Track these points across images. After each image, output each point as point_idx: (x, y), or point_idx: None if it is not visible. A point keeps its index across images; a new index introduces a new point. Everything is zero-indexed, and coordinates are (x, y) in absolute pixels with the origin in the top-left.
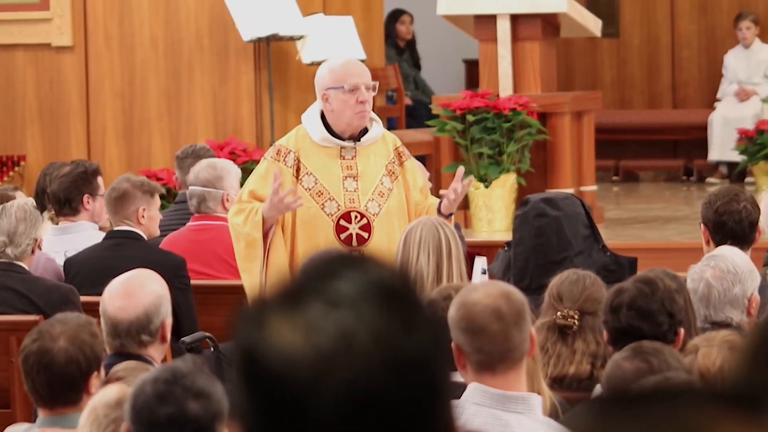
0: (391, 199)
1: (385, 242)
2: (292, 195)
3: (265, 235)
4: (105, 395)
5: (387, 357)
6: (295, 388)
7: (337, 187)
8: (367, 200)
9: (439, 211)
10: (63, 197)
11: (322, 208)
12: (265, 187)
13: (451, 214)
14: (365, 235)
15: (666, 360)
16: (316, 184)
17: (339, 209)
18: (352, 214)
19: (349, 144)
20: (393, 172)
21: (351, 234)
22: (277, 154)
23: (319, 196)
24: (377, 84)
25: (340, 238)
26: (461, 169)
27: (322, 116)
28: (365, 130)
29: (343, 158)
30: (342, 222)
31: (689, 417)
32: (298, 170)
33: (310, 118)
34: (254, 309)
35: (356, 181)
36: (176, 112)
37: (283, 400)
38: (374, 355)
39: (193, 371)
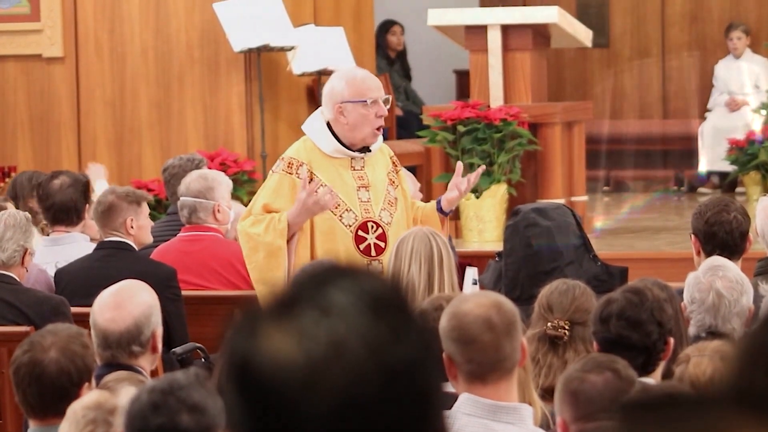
0: (398, 208)
1: None
2: (329, 193)
3: (289, 244)
4: (85, 399)
5: (378, 365)
6: (287, 395)
7: (352, 198)
8: (380, 210)
9: (439, 210)
10: (73, 207)
11: (340, 220)
12: (278, 200)
13: (450, 212)
14: (382, 244)
15: (626, 365)
16: (333, 196)
17: (356, 220)
18: (369, 225)
19: (358, 155)
20: (393, 181)
21: (369, 244)
22: (288, 166)
23: (336, 207)
24: (390, 97)
25: (359, 248)
26: (461, 165)
27: (329, 127)
28: None
29: (354, 169)
30: (360, 233)
31: (713, 423)
32: (311, 183)
33: (317, 129)
34: (247, 317)
35: (368, 191)
36: (167, 122)
37: (275, 407)
38: (365, 362)
39: (191, 384)
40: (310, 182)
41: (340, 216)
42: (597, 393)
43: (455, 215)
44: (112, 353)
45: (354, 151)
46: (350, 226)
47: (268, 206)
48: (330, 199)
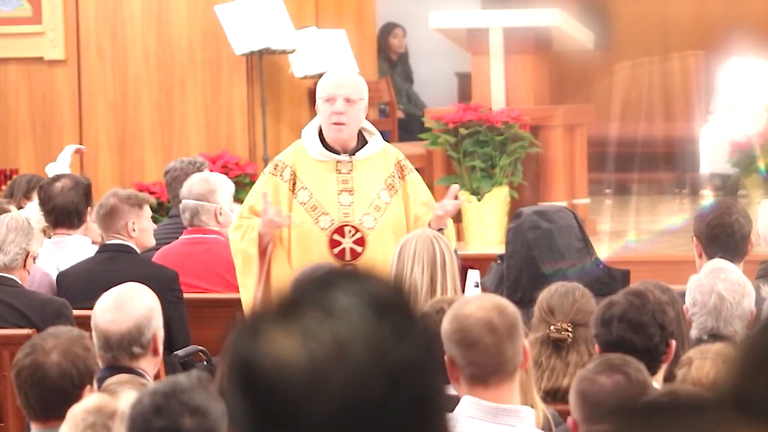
0: (387, 214)
1: (380, 256)
2: (279, 215)
3: (264, 252)
4: (85, 401)
5: (380, 367)
6: (290, 395)
7: (331, 202)
8: (363, 214)
9: (429, 225)
10: (74, 209)
11: (316, 223)
12: (262, 202)
13: (441, 229)
14: (359, 249)
15: (639, 369)
16: (310, 198)
17: (332, 223)
18: (346, 229)
19: (344, 158)
20: (392, 186)
21: (344, 248)
22: (274, 168)
23: (313, 210)
24: (359, 99)
25: (333, 252)
26: (455, 187)
27: (321, 131)
28: (364, 144)
29: (339, 172)
30: (335, 236)
31: (713, 428)
32: (294, 184)
33: (309, 132)
34: (250, 319)
35: (351, 195)
36: (169, 125)
37: (278, 407)
38: (367, 364)
39: (193, 387)
40: (293, 193)
41: (317, 219)
42: (605, 395)
43: (457, 218)
44: (113, 355)
45: (340, 153)
46: (325, 229)
47: (253, 208)
48: (279, 219)
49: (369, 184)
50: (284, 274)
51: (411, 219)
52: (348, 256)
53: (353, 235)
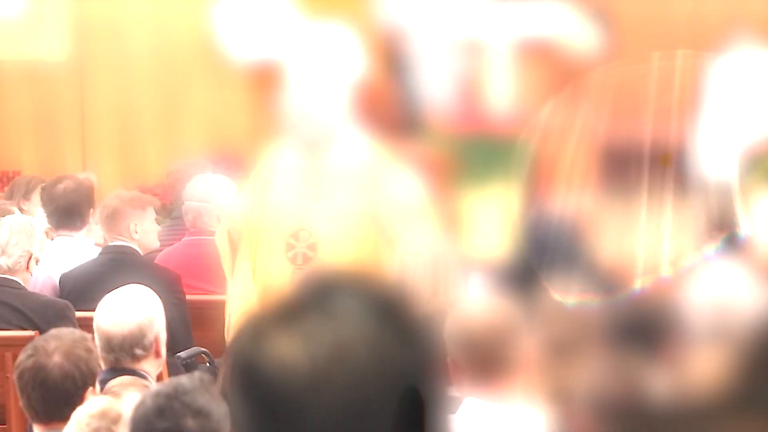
0: (350, 220)
1: (334, 262)
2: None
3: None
4: (89, 405)
5: (381, 369)
6: (291, 398)
7: (294, 205)
8: (322, 219)
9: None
10: (76, 211)
11: (277, 225)
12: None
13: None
14: (311, 254)
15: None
16: (277, 200)
17: (290, 227)
18: (301, 233)
19: (314, 162)
20: (366, 192)
21: (297, 253)
22: (258, 170)
23: (277, 213)
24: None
25: (287, 255)
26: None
27: None
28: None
29: (309, 176)
30: (290, 240)
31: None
32: (269, 186)
33: None
34: (251, 321)
35: (315, 199)
36: (172, 127)
37: (279, 409)
38: (369, 366)
39: (196, 388)
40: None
41: (278, 221)
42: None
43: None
44: (115, 357)
45: (315, 156)
46: (284, 232)
47: None
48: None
49: (339, 189)
50: (246, 276)
51: (386, 225)
52: (299, 261)
53: (308, 240)
